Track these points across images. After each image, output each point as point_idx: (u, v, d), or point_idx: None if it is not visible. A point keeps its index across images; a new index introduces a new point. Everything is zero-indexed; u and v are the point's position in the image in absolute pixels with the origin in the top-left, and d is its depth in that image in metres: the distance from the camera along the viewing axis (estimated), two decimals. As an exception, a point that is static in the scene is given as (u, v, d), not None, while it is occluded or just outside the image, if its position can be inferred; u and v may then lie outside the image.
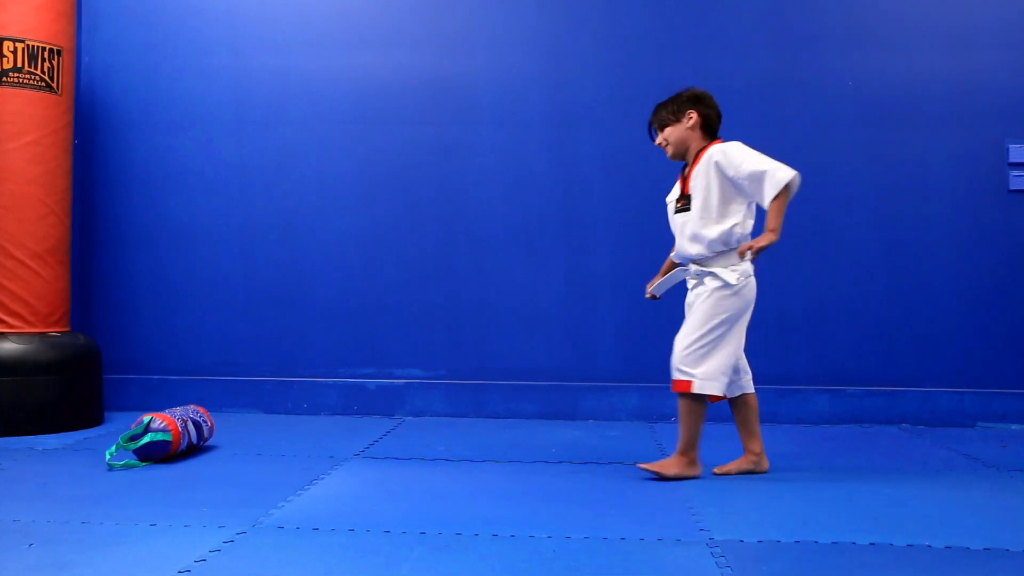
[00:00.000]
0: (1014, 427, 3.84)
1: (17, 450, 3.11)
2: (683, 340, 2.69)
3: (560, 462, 2.97)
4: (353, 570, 1.80)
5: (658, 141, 2.86)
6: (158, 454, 2.85)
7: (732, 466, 2.78)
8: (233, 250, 4.17)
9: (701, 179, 2.72)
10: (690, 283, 2.79)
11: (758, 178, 2.60)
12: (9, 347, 3.45)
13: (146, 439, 2.82)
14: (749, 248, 2.59)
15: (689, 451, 2.71)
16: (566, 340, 4.05)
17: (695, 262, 2.75)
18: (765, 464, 2.80)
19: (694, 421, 2.69)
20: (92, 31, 4.23)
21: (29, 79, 3.55)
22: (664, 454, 3.12)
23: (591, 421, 3.93)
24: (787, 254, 4.00)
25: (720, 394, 2.67)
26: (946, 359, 3.93)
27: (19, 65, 3.53)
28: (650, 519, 2.22)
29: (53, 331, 3.61)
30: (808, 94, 4.02)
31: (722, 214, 2.68)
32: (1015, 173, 3.93)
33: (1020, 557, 1.92)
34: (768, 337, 3.96)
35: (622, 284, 3.98)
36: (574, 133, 4.07)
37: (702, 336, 2.65)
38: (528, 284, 4.08)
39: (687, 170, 2.80)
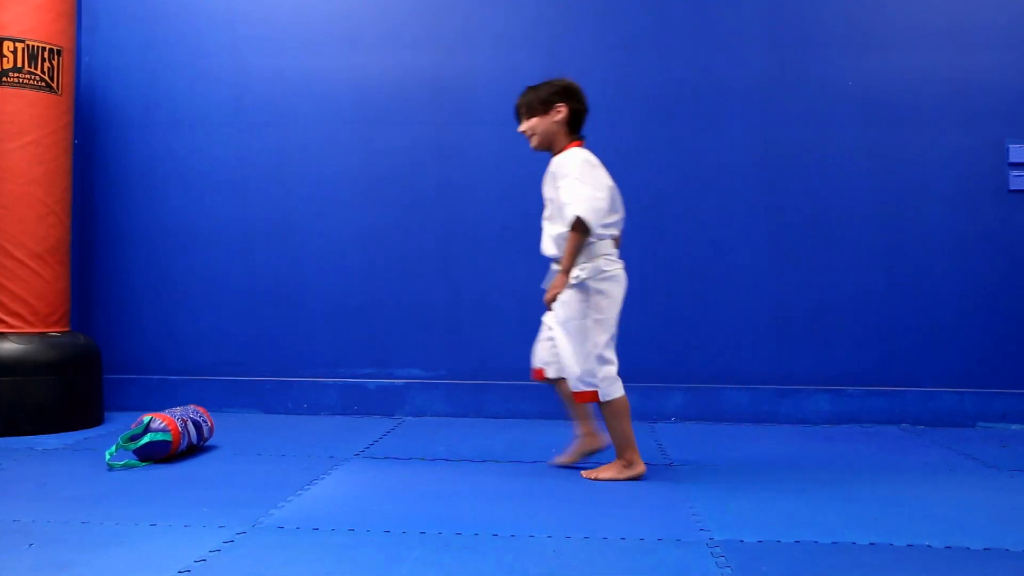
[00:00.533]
0: (1014, 427, 3.84)
1: (17, 450, 3.11)
2: (568, 354, 2.64)
3: (560, 462, 2.98)
4: (353, 570, 1.80)
5: (522, 129, 2.81)
6: (158, 454, 2.85)
7: (570, 454, 2.81)
8: (233, 250, 4.17)
9: (547, 185, 2.75)
10: None
11: (561, 207, 2.62)
12: (9, 347, 3.45)
13: (146, 439, 2.82)
14: (548, 301, 2.62)
15: (624, 453, 2.68)
16: (566, 340, 4.05)
17: (554, 261, 2.76)
18: (600, 440, 2.77)
19: (619, 423, 2.66)
20: (92, 31, 4.23)
21: (29, 79, 3.55)
22: (664, 454, 3.12)
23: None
24: (787, 254, 4.01)
25: (621, 393, 2.64)
26: (946, 359, 3.93)
27: (19, 65, 3.53)
28: (650, 519, 2.22)
29: (53, 331, 3.61)
30: (808, 94, 4.02)
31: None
32: (1015, 173, 3.93)
33: (1020, 557, 1.92)
34: (768, 337, 3.97)
35: (622, 284, 3.97)
36: (574, 133, 4.07)
37: (582, 344, 2.62)
38: (528, 284, 4.06)
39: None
